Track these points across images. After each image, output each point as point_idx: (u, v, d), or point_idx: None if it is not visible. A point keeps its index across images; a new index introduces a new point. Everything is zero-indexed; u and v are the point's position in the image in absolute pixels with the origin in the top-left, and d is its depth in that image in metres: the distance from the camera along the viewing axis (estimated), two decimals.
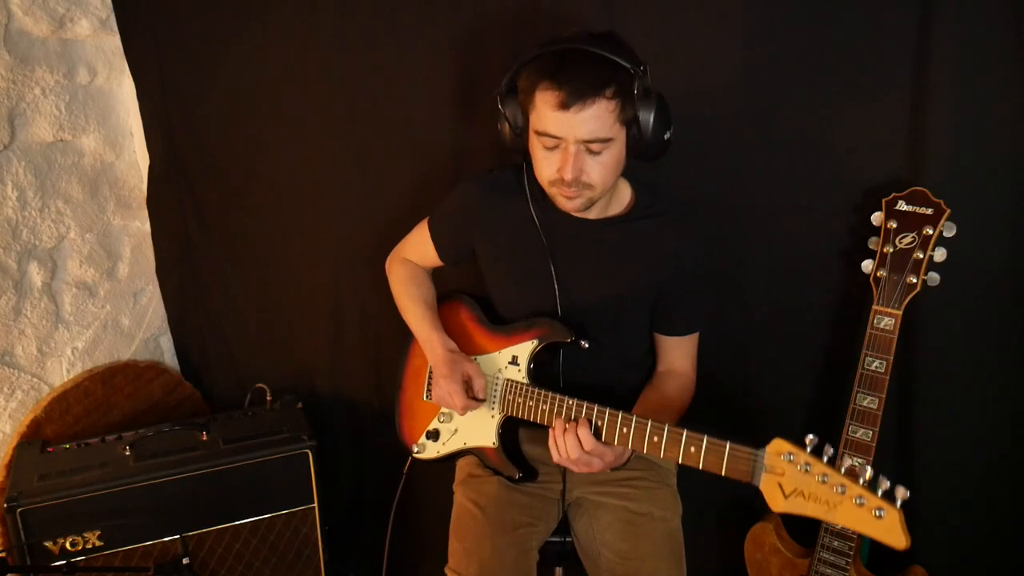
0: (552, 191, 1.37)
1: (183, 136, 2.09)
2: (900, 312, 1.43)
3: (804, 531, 1.69)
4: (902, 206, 1.42)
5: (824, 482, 1.05)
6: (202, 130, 2.07)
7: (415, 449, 1.65)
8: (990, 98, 1.44)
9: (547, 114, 1.26)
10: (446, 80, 1.80)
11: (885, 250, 1.44)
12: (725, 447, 1.15)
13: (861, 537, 1.57)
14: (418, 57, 1.80)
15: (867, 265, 1.47)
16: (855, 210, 1.57)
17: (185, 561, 1.58)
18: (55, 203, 1.96)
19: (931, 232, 1.39)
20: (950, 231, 1.39)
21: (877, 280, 1.45)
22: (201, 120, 2.06)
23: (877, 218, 1.45)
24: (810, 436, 1.08)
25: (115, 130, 2.11)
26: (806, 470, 1.06)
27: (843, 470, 1.04)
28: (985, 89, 1.43)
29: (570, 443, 1.30)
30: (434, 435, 1.61)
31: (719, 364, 1.70)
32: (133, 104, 2.11)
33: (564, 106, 1.23)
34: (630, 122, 1.28)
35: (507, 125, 1.38)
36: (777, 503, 1.10)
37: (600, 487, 1.55)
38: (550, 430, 1.35)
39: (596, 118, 1.25)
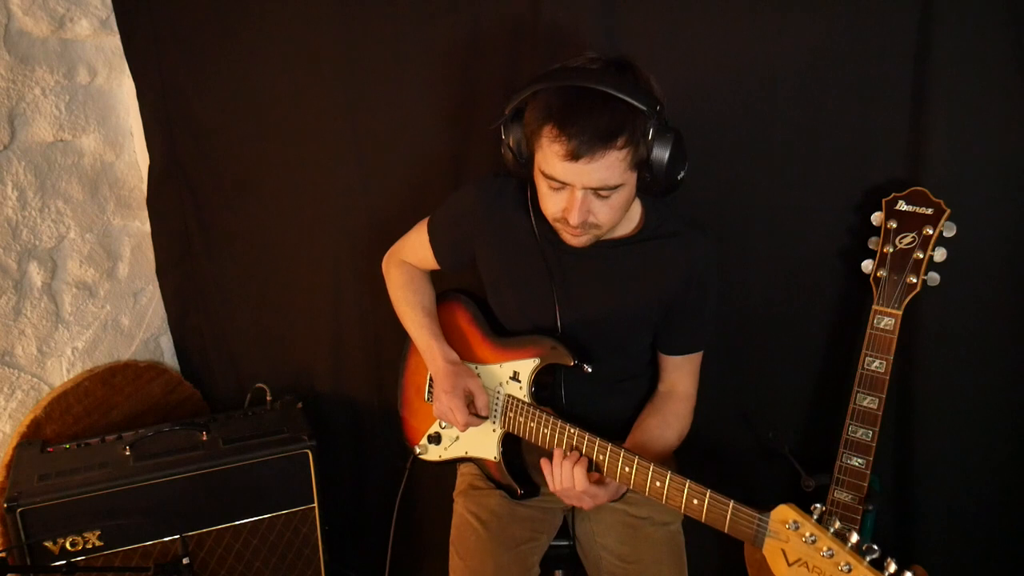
0: (557, 226, 1.33)
1: (183, 136, 2.09)
2: (900, 312, 1.43)
3: None
4: (902, 206, 1.42)
5: (829, 557, 1.02)
6: (202, 130, 2.07)
7: (417, 450, 1.64)
8: (990, 98, 1.44)
9: (554, 161, 1.20)
10: (446, 81, 1.80)
11: (885, 250, 1.44)
12: (728, 506, 1.13)
13: (861, 537, 1.57)
14: (418, 57, 1.80)
15: (867, 265, 1.47)
16: (855, 210, 1.57)
17: (185, 561, 1.58)
18: (55, 203, 1.96)
19: (931, 232, 1.39)
20: (950, 231, 1.39)
21: (877, 280, 1.45)
22: (201, 120, 2.06)
23: (877, 218, 1.45)
24: (816, 504, 1.05)
25: (115, 130, 2.11)
26: (812, 542, 1.03)
27: (849, 544, 1.01)
28: (985, 89, 1.43)
29: (565, 475, 1.28)
30: (435, 439, 1.60)
31: (719, 364, 1.70)
32: (133, 104, 2.11)
33: (572, 157, 1.17)
34: (642, 164, 1.22)
35: (510, 153, 1.32)
36: (780, 570, 1.08)
37: None
38: (543, 461, 1.33)
39: (606, 168, 1.18)
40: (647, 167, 1.22)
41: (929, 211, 1.40)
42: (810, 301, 1.68)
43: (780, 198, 1.64)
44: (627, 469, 1.24)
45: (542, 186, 1.28)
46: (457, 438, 1.56)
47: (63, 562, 1.65)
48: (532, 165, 1.29)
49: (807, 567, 1.04)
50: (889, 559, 0.99)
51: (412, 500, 1.89)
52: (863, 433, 1.47)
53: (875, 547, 1.00)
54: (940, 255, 1.40)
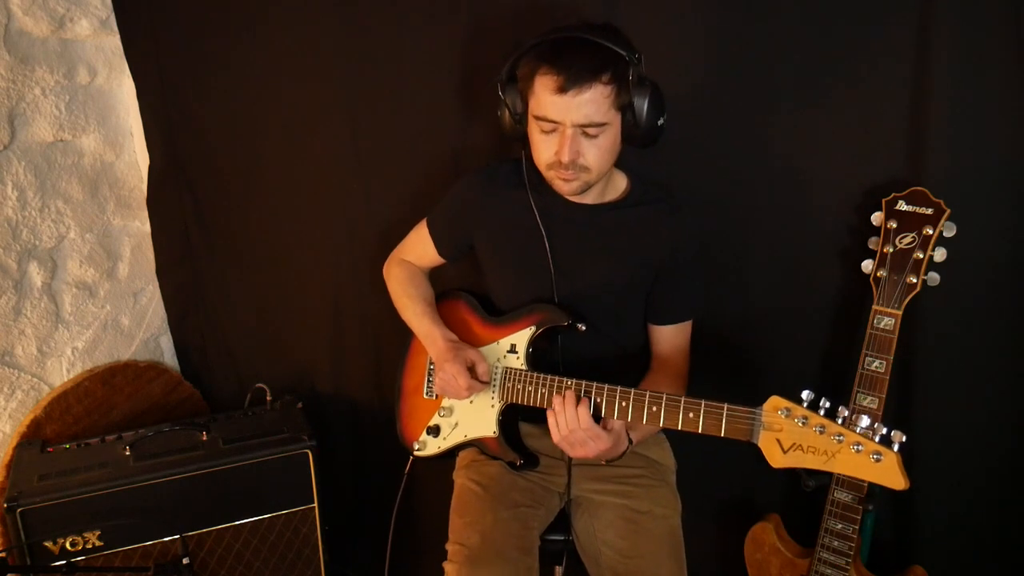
0: (550, 175, 1.40)
1: (183, 136, 2.09)
2: (900, 312, 1.43)
3: (804, 531, 1.69)
4: (902, 206, 1.42)
5: (821, 433, 1.08)
6: (202, 130, 2.07)
7: (415, 447, 1.65)
8: (990, 98, 1.43)
9: (545, 98, 1.31)
10: (447, 81, 1.80)
11: (885, 250, 1.44)
12: (723, 409, 1.19)
13: (861, 537, 1.57)
14: (419, 57, 1.80)
15: (867, 265, 1.47)
16: (855, 210, 1.57)
17: (185, 561, 1.58)
18: (55, 203, 1.96)
19: (931, 232, 1.39)
20: (950, 231, 1.39)
21: (877, 280, 1.45)
22: (201, 120, 2.06)
23: (877, 218, 1.45)
24: (806, 392, 1.10)
25: (115, 130, 2.11)
26: (803, 423, 1.09)
27: (840, 420, 1.07)
28: (985, 89, 1.43)
29: (569, 417, 1.31)
30: (434, 431, 1.61)
31: (717, 364, 1.70)
32: (133, 104, 2.11)
33: (562, 90, 1.27)
34: (625, 108, 1.32)
35: (507, 112, 1.42)
36: (776, 459, 1.12)
37: (600, 485, 1.55)
38: (548, 411, 1.35)
39: (592, 102, 1.28)
40: (630, 111, 1.32)
41: (929, 211, 1.39)
42: (810, 301, 1.68)
43: (780, 198, 1.64)
44: (624, 403, 1.30)
45: (535, 134, 1.38)
46: (456, 424, 1.58)
47: (63, 562, 1.65)
48: (527, 121, 1.39)
49: (802, 449, 1.10)
50: (879, 424, 1.05)
51: (412, 500, 1.89)
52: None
53: (864, 416, 1.06)
54: (940, 255, 1.40)
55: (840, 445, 1.06)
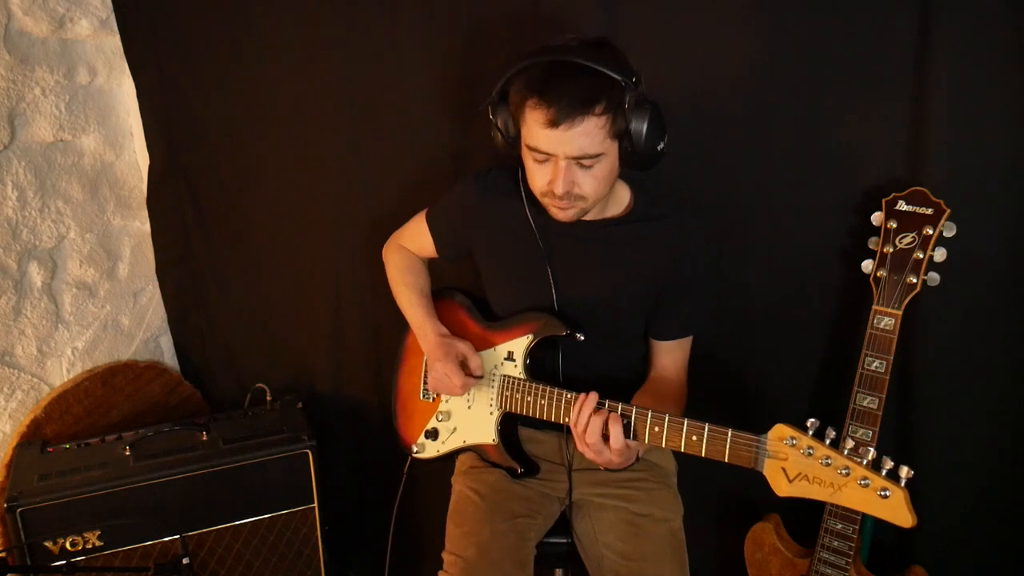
0: (545, 201, 1.37)
1: (183, 136, 2.09)
2: (900, 312, 1.43)
3: (804, 531, 1.69)
4: (902, 206, 1.42)
5: (827, 465, 1.05)
6: (202, 130, 2.07)
7: (414, 449, 1.65)
8: (990, 98, 1.43)
9: (536, 131, 1.26)
10: (446, 81, 1.80)
11: (885, 250, 1.43)
12: (727, 435, 1.16)
13: (861, 537, 1.57)
14: (418, 57, 1.80)
15: (867, 265, 1.47)
16: (855, 210, 1.57)
17: (185, 561, 1.58)
18: (55, 203, 1.96)
19: (931, 232, 1.39)
20: (950, 231, 1.39)
21: (877, 280, 1.45)
22: (201, 120, 2.06)
23: (877, 218, 1.45)
24: (812, 420, 1.08)
25: (115, 130, 2.11)
26: (809, 454, 1.07)
27: (846, 451, 1.05)
28: (985, 89, 1.43)
29: (593, 427, 1.27)
30: (432, 434, 1.61)
31: (718, 364, 1.70)
32: (133, 104, 2.11)
33: (553, 124, 1.22)
34: (622, 135, 1.27)
35: (499, 135, 1.37)
36: (781, 488, 1.11)
37: (601, 488, 1.55)
38: (576, 399, 1.31)
39: (585, 135, 1.23)
40: (627, 137, 1.26)
41: (929, 211, 1.39)
42: (810, 301, 1.68)
43: (780, 198, 1.64)
44: (624, 421, 1.27)
45: (528, 162, 1.34)
46: (454, 429, 1.57)
47: (63, 562, 1.65)
48: (520, 144, 1.35)
49: (807, 479, 1.08)
50: (886, 458, 1.03)
51: (412, 500, 1.89)
52: (863, 433, 1.47)
53: (871, 449, 1.05)
54: (940, 255, 1.40)
55: (846, 479, 1.04)
